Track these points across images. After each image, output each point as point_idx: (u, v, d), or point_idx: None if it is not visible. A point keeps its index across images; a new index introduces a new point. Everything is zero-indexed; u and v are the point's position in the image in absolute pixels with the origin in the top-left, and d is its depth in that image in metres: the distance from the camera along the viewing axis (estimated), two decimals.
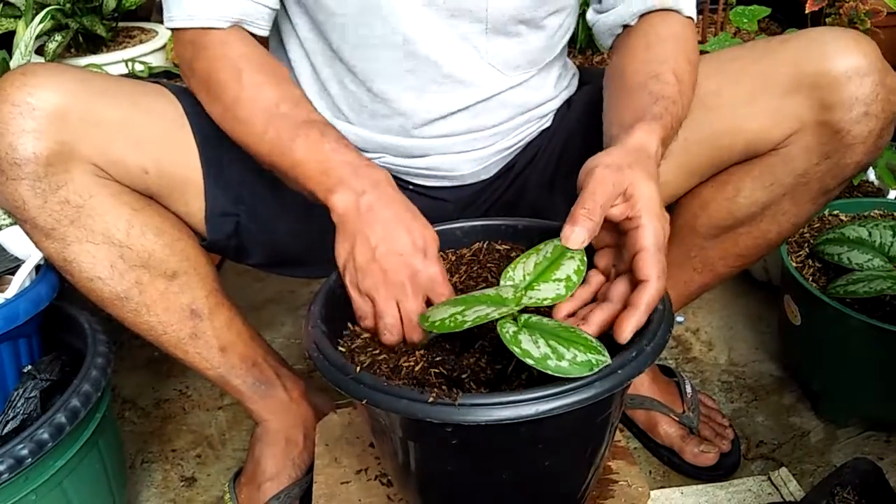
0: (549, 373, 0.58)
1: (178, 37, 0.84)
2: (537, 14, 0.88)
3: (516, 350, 0.59)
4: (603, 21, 0.90)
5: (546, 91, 0.96)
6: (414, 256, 0.70)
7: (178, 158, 0.86)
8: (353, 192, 0.71)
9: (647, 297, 0.62)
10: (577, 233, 0.64)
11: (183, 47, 0.84)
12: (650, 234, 0.64)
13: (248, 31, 0.84)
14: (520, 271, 0.69)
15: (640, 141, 0.70)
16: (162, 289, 0.86)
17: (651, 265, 0.63)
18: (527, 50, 0.90)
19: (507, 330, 0.61)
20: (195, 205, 0.89)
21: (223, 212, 0.90)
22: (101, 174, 0.80)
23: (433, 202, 0.96)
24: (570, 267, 0.68)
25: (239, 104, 0.79)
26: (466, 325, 0.62)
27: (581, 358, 0.59)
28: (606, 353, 0.60)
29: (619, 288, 0.66)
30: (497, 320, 0.62)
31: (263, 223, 0.94)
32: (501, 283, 0.69)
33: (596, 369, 0.58)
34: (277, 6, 0.85)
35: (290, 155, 0.75)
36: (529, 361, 0.58)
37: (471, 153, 0.93)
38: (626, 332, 0.62)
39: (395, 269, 0.69)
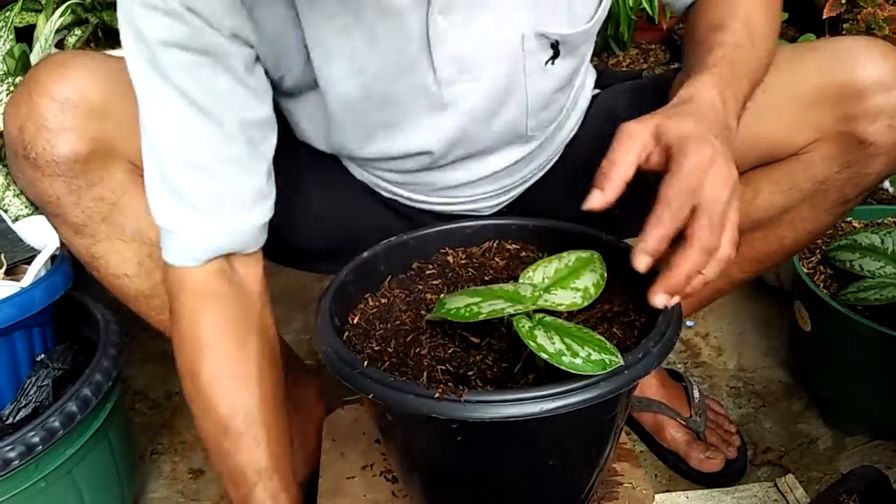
0: (563, 368, 0.58)
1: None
2: (575, 69, 0.85)
3: (532, 344, 0.59)
4: None
5: (571, 121, 0.95)
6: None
7: None
8: None
9: (685, 254, 0.59)
10: (594, 195, 0.61)
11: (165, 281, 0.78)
12: (681, 158, 0.59)
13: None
14: (540, 274, 0.70)
15: (680, 93, 0.66)
16: None
17: (673, 186, 0.59)
18: (561, 103, 0.89)
19: (524, 325, 0.61)
20: None
21: None
22: (136, 171, 0.78)
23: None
24: (590, 279, 0.68)
25: (196, 396, 0.76)
26: (481, 317, 0.62)
27: (595, 357, 0.59)
28: (619, 356, 0.60)
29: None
30: (512, 316, 0.62)
31: (284, 218, 0.94)
32: (521, 280, 0.69)
33: (609, 369, 0.59)
34: (265, 220, 0.78)
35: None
36: (544, 356, 0.58)
37: (496, 198, 0.94)
38: (656, 297, 0.61)
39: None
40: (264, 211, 0.77)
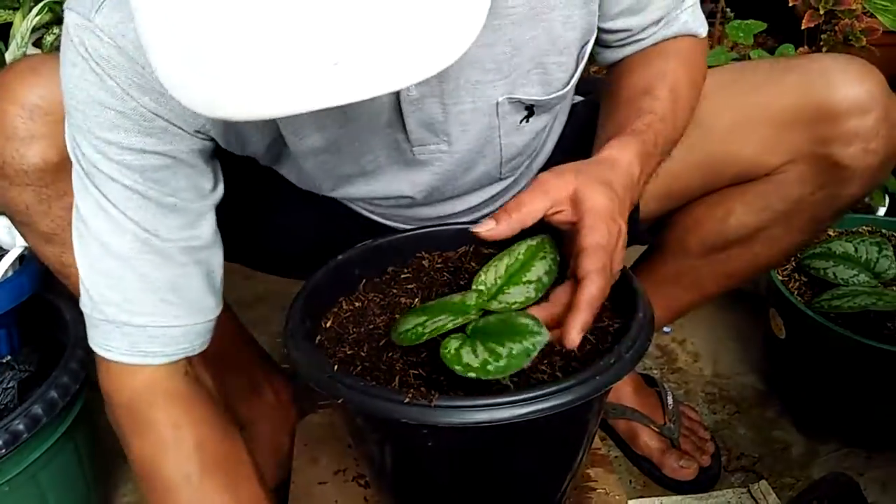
0: (493, 378, 0.57)
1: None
2: (549, 121, 0.84)
3: (457, 368, 0.58)
4: (616, 54, 0.84)
5: (548, 146, 0.92)
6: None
7: None
8: None
9: (585, 294, 0.59)
10: (487, 223, 0.64)
11: (103, 375, 0.73)
12: (591, 234, 0.61)
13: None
14: (492, 275, 0.69)
15: (608, 154, 0.68)
16: None
17: (589, 262, 0.60)
18: (535, 147, 0.87)
19: (450, 349, 0.60)
20: None
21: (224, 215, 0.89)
22: None
23: None
24: (542, 268, 0.68)
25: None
26: (425, 338, 0.61)
27: (517, 349, 0.58)
28: (544, 330, 0.59)
29: (560, 293, 0.64)
30: (447, 334, 0.61)
31: (260, 225, 0.93)
32: (473, 286, 0.69)
33: (534, 353, 0.58)
34: (216, 313, 0.76)
35: None
36: (472, 375, 0.57)
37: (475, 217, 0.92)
38: (571, 335, 0.59)
39: None
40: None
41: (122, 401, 0.72)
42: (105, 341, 0.70)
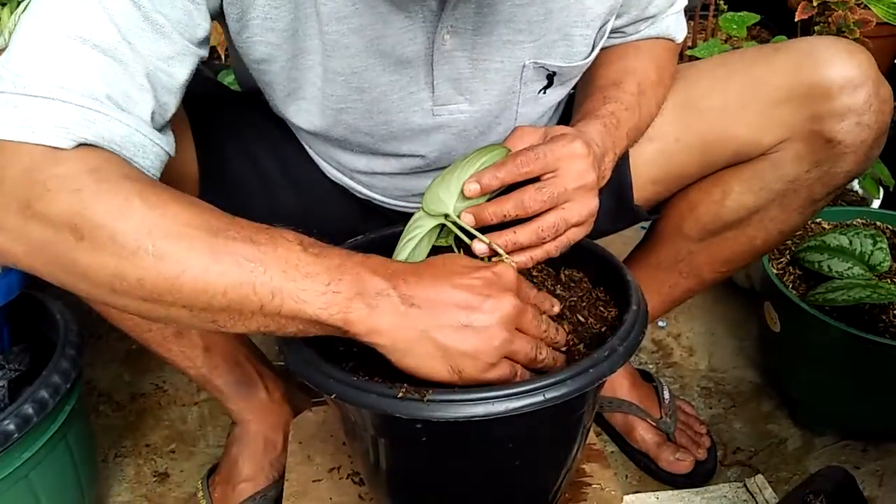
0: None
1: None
2: (562, 97, 0.87)
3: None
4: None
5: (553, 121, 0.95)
6: (503, 294, 0.60)
7: (177, 157, 0.78)
8: (380, 295, 0.58)
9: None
10: (469, 183, 0.67)
11: (11, 182, 0.56)
12: (547, 143, 0.68)
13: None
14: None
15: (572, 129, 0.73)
16: None
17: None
18: (544, 123, 0.89)
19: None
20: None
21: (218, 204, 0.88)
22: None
23: None
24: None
25: (150, 235, 0.55)
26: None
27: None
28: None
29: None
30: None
31: (253, 215, 0.92)
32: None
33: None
34: (171, 153, 0.66)
35: (261, 285, 0.56)
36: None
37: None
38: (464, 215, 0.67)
39: (507, 319, 0.60)
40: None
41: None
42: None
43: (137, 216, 0.55)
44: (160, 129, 0.65)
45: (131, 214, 0.55)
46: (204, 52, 0.68)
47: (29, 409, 0.82)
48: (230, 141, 0.87)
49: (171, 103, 0.66)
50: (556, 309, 0.69)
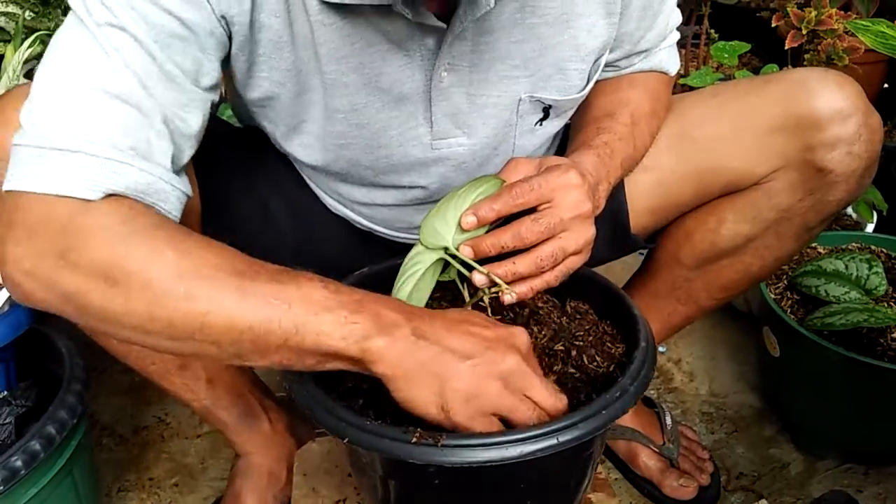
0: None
1: (26, 210, 0.60)
2: (559, 128, 0.89)
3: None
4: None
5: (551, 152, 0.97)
6: (509, 351, 0.62)
7: None
8: (395, 327, 0.60)
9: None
10: (466, 216, 0.68)
11: (44, 234, 0.59)
12: (542, 174, 0.69)
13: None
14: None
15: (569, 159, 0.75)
16: None
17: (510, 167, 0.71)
18: (541, 154, 0.91)
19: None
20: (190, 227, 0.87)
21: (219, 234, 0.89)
22: None
23: None
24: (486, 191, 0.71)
25: (181, 278, 0.58)
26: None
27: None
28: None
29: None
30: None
31: (256, 245, 0.93)
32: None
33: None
34: (189, 195, 0.69)
35: (286, 319, 0.58)
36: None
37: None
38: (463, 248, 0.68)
39: (507, 374, 0.61)
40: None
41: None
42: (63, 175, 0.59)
43: (169, 262, 0.58)
44: (177, 173, 0.67)
45: (163, 261, 0.58)
46: (214, 98, 0.71)
47: (36, 445, 0.82)
48: (231, 174, 0.89)
49: (187, 149, 0.69)
50: (562, 405, 0.64)
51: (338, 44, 0.71)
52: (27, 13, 1.57)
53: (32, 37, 1.44)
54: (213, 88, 0.70)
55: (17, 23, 1.48)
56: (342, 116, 0.77)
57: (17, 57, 1.40)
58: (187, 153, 0.69)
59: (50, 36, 1.59)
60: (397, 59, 0.73)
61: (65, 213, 0.59)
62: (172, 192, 0.65)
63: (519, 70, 0.77)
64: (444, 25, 0.70)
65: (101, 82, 0.61)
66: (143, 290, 0.58)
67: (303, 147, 0.82)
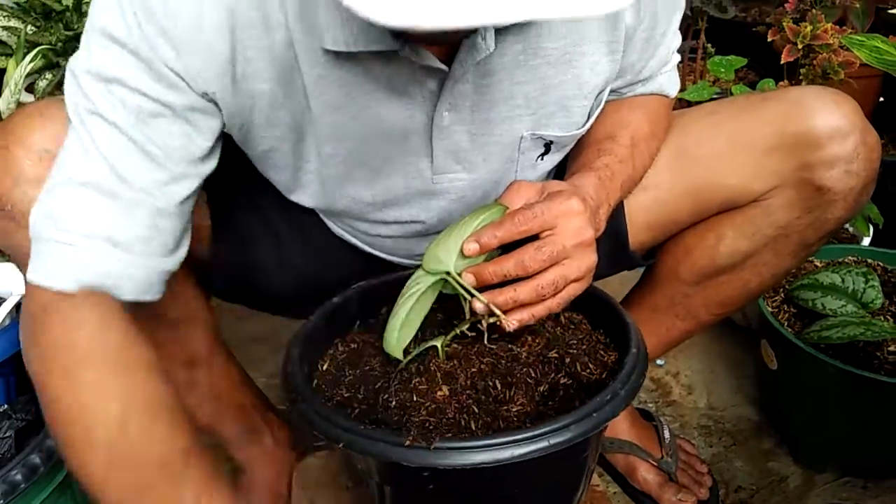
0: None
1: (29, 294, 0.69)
2: (559, 162, 0.89)
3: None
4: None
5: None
6: None
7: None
8: None
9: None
10: (469, 242, 0.68)
11: (31, 312, 0.68)
12: (545, 201, 0.69)
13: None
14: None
15: (570, 182, 0.75)
16: (163, 336, 0.84)
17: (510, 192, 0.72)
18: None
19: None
20: (200, 247, 0.86)
21: (226, 261, 0.90)
22: None
23: None
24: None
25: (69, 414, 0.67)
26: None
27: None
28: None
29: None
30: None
31: (256, 263, 0.94)
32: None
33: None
34: (174, 269, 0.72)
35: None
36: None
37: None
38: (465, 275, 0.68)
39: None
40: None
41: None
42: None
43: (103, 445, 0.66)
44: (171, 250, 0.70)
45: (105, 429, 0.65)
46: (209, 167, 0.73)
47: (36, 459, 0.82)
48: (239, 195, 0.89)
49: (169, 225, 0.70)
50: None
51: (333, 95, 0.72)
52: (29, 27, 1.58)
53: (34, 51, 1.45)
54: (207, 157, 0.72)
55: (18, 37, 1.48)
56: (340, 160, 0.78)
57: (18, 71, 1.41)
58: (170, 229, 0.70)
59: (52, 50, 1.61)
60: (398, 103, 0.73)
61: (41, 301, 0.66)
62: (146, 274, 0.68)
63: (521, 109, 0.77)
64: (447, 68, 0.70)
65: (77, 174, 0.65)
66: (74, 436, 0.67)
67: (305, 195, 0.84)
